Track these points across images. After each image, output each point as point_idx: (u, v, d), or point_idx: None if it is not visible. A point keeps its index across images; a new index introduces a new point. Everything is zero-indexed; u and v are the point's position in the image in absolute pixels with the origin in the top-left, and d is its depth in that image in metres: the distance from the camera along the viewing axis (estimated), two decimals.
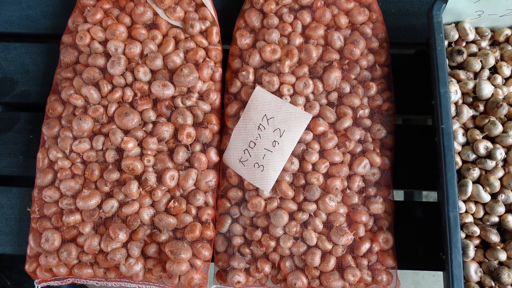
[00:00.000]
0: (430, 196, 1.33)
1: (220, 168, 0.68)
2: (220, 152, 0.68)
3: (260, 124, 0.65)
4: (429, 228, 0.71)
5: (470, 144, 0.64)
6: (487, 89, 0.64)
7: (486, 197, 0.62)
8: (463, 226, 0.62)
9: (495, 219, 0.62)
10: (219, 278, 0.66)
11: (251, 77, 0.67)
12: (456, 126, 0.64)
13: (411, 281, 1.37)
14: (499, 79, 0.66)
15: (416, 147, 0.74)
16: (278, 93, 0.66)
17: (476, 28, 0.69)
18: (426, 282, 1.37)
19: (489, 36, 0.69)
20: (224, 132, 0.69)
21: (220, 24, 0.72)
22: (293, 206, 0.63)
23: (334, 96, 0.67)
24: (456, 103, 0.65)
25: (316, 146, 0.65)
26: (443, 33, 0.63)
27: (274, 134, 0.64)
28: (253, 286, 0.66)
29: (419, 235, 0.71)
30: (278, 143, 0.64)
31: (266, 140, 0.64)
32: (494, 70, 0.67)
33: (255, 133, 0.65)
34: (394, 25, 0.76)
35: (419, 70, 0.76)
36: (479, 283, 0.61)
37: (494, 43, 0.70)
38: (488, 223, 0.63)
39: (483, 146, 0.62)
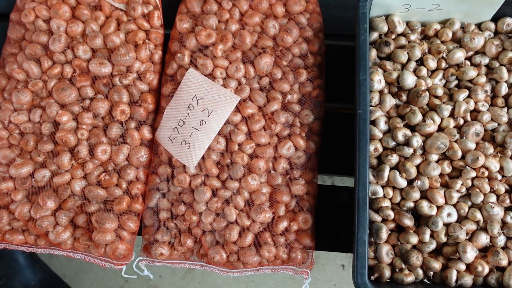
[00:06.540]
0: None
1: (154, 146, 0.71)
2: (155, 131, 0.71)
3: (190, 103, 0.67)
4: (352, 211, 0.73)
5: (391, 131, 0.66)
6: (409, 79, 0.66)
7: (403, 183, 0.64)
8: (379, 209, 0.64)
9: (411, 204, 0.65)
10: (146, 251, 0.69)
11: (187, 59, 0.70)
12: (378, 113, 0.67)
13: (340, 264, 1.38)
14: (424, 71, 0.68)
15: (345, 134, 0.76)
16: (212, 76, 0.69)
17: (408, 22, 0.71)
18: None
19: (419, 30, 0.71)
20: (159, 111, 0.72)
21: (166, 10, 0.75)
22: (216, 183, 0.66)
23: (266, 81, 0.69)
24: (381, 92, 0.68)
25: (244, 128, 0.67)
26: (367, 24, 0.65)
27: (202, 113, 0.67)
28: (178, 260, 0.68)
29: (342, 218, 0.73)
30: (206, 122, 0.66)
31: (194, 119, 0.67)
32: (421, 62, 0.70)
33: (185, 112, 0.67)
34: (334, 17, 0.79)
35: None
36: (391, 264, 0.63)
37: (425, 37, 0.72)
38: (404, 208, 0.65)
39: (402, 133, 0.65)
